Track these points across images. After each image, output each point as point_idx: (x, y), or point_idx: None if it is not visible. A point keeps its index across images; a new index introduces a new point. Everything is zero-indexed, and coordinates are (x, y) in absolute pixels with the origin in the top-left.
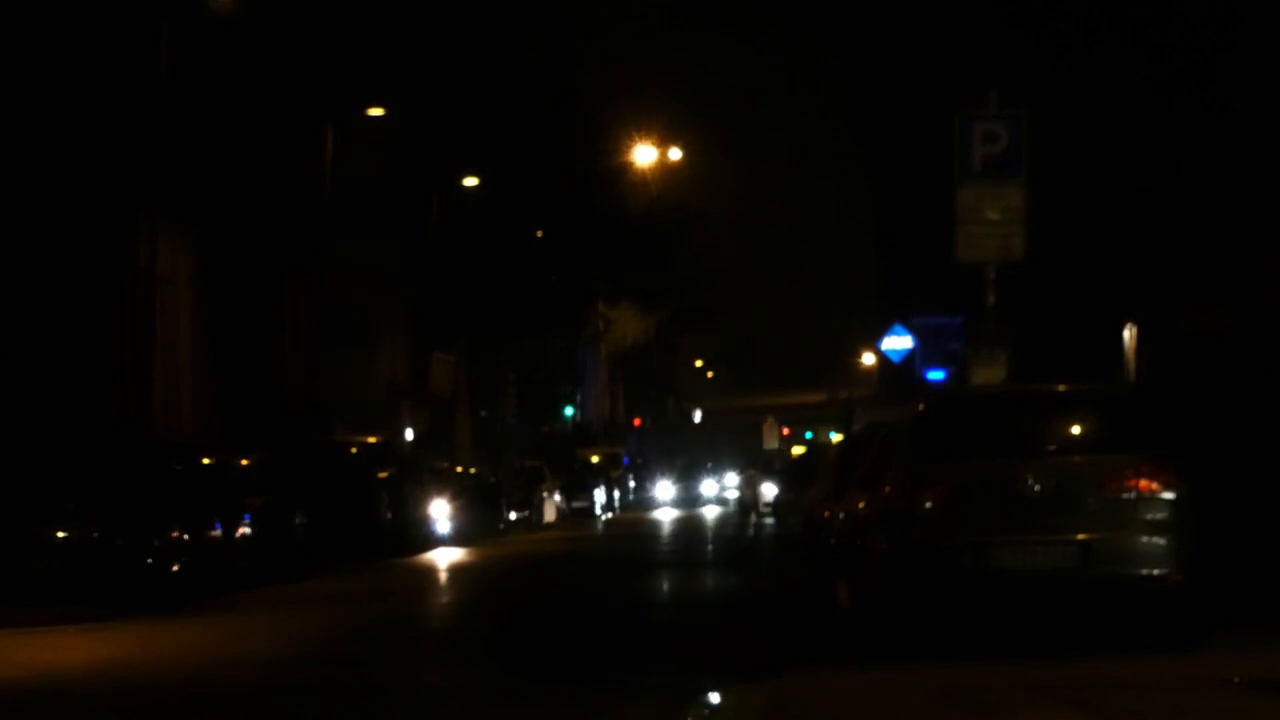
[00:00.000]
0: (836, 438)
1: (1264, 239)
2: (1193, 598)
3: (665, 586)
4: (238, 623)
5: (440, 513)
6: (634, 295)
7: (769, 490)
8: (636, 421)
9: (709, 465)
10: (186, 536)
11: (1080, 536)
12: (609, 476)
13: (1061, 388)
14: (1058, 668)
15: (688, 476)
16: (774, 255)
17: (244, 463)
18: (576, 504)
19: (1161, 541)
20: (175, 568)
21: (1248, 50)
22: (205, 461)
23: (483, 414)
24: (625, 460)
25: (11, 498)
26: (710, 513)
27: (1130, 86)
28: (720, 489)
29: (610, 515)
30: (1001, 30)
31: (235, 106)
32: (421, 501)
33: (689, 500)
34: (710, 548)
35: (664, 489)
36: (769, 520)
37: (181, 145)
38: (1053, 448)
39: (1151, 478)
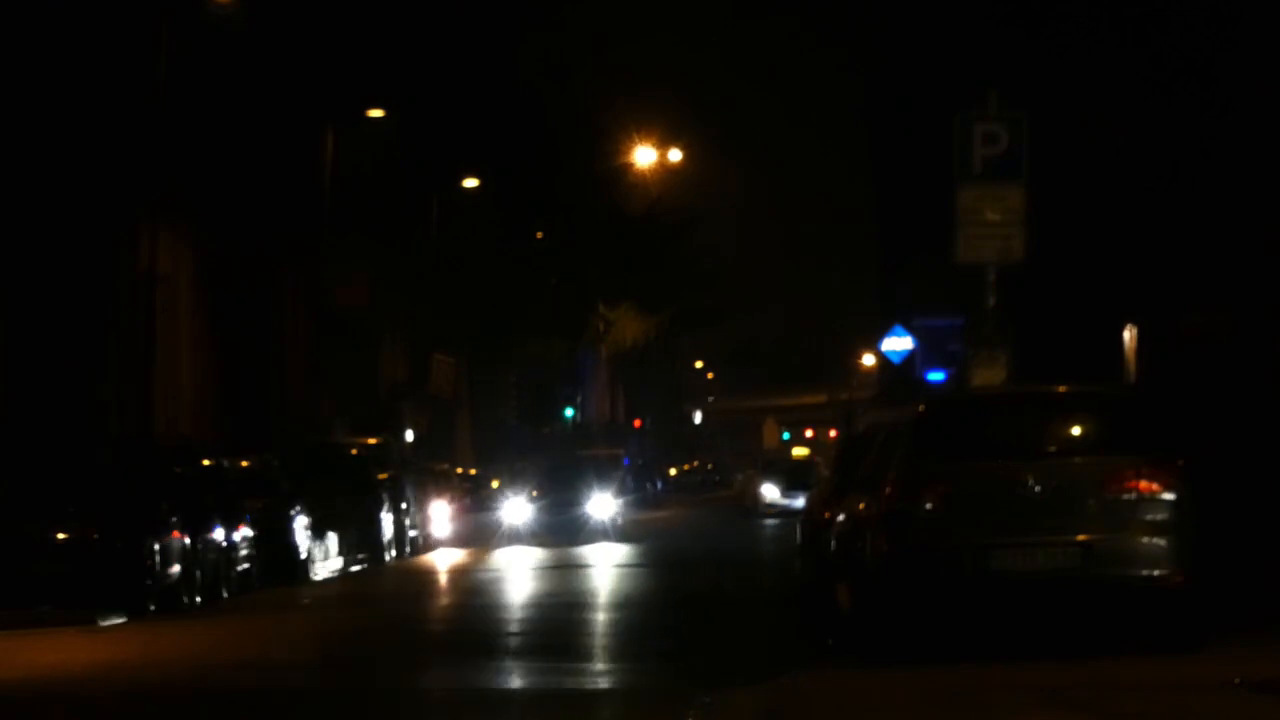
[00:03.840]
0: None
1: (1264, 240)
2: (1193, 599)
3: (664, 587)
4: (238, 625)
5: (440, 514)
6: (634, 297)
7: (770, 491)
8: (637, 423)
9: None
10: (187, 539)
11: (1081, 538)
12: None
13: (1062, 389)
14: (1058, 669)
15: (560, 486)
16: (774, 255)
17: (244, 464)
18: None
19: (1162, 543)
20: (175, 570)
21: (1248, 50)
22: (205, 463)
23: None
24: (625, 461)
25: (12, 499)
26: (600, 558)
27: (1130, 86)
28: (617, 509)
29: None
30: (1001, 30)
31: (235, 107)
32: (422, 503)
33: (561, 527)
34: None
35: (516, 508)
36: (770, 523)
37: (182, 146)
38: (1053, 449)
39: (1152, 479)
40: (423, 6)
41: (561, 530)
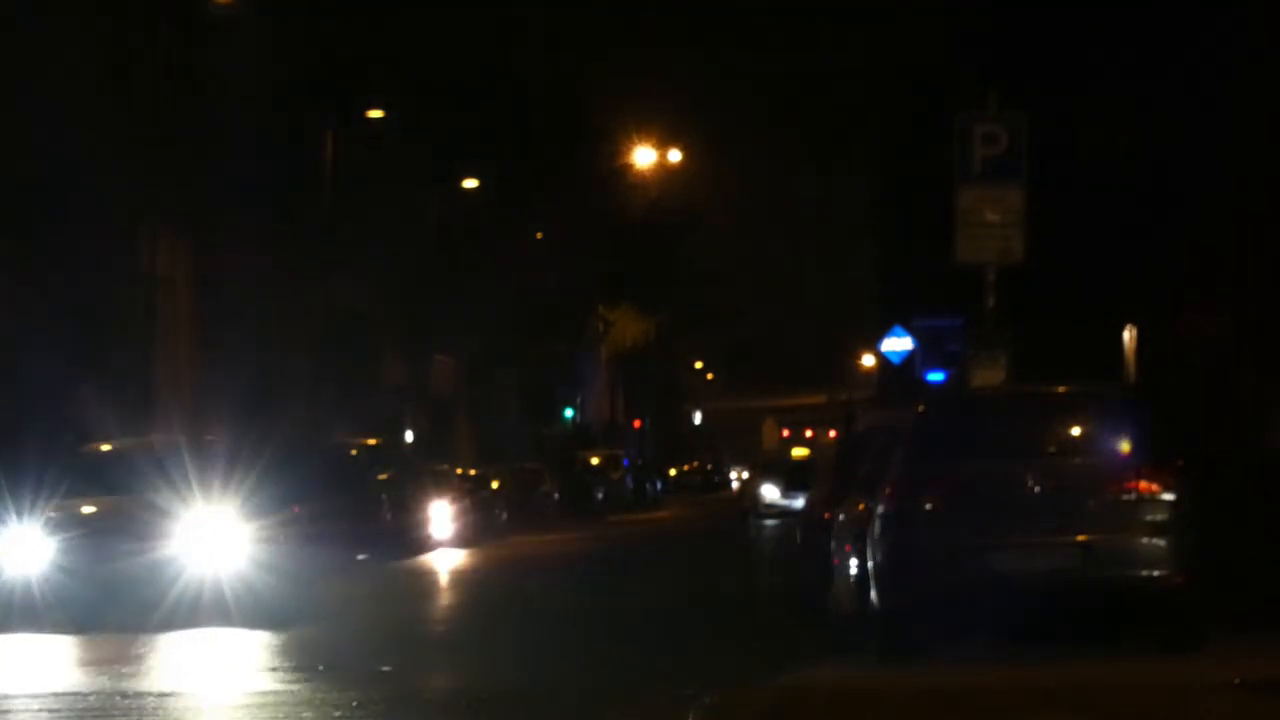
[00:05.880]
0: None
1: (1263, 239)
2: (1193, 599)
3: (664, 587)
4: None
5: (440, 515)
6: (634, 297)
7: (770, 491)
8: (637, 423)
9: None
10: None
11: (1080, 538)
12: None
13: (1061, 389)
14: (1058, 670)
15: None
16: (774, 257)
17: None
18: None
19: (1161, 543)
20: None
21: (1248, 50)
22: None
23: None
24: (625, 462)
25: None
26: None
27: (1129, 86)
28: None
29: None
30: (1001, 30)
31: (235, 106)
32: (421, 504)
33: (114, 588)
34: None
35: (20, 543)
36: (768, 523)
37: (181, 145)
38: (1052, 449)
39: (1151, 479)
40: (423, 7)
41: (117, 594)
